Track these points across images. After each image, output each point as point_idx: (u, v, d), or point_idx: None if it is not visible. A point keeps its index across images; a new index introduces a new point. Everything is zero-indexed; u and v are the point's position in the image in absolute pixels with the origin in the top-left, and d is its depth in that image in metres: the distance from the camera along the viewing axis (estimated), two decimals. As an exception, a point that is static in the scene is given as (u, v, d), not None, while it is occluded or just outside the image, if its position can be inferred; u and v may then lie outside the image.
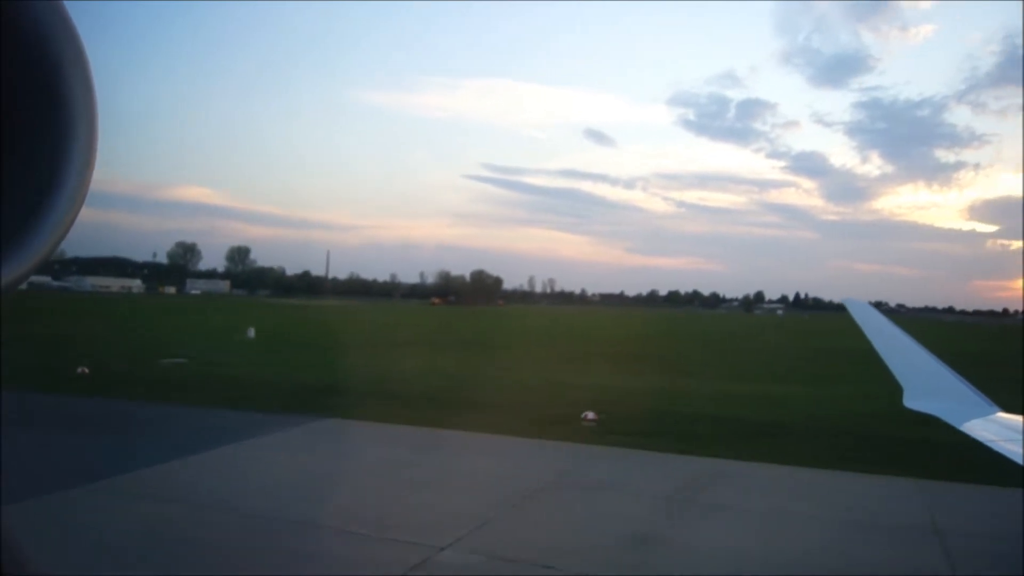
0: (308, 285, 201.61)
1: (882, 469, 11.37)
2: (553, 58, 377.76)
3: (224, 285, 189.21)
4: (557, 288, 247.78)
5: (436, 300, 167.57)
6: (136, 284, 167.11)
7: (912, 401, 5.57)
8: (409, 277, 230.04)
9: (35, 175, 0.70)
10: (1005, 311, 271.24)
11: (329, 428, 13.57)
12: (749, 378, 24.64)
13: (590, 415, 14.67)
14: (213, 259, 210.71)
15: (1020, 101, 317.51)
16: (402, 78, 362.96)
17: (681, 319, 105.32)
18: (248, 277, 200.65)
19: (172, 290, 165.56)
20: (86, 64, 0.73)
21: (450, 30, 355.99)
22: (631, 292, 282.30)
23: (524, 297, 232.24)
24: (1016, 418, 5.05)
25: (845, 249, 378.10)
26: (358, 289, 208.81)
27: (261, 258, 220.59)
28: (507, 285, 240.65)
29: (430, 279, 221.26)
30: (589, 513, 8.97)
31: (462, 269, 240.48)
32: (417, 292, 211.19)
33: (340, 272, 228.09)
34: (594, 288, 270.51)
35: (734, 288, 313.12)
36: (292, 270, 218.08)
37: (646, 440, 12.94)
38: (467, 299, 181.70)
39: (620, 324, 78.02)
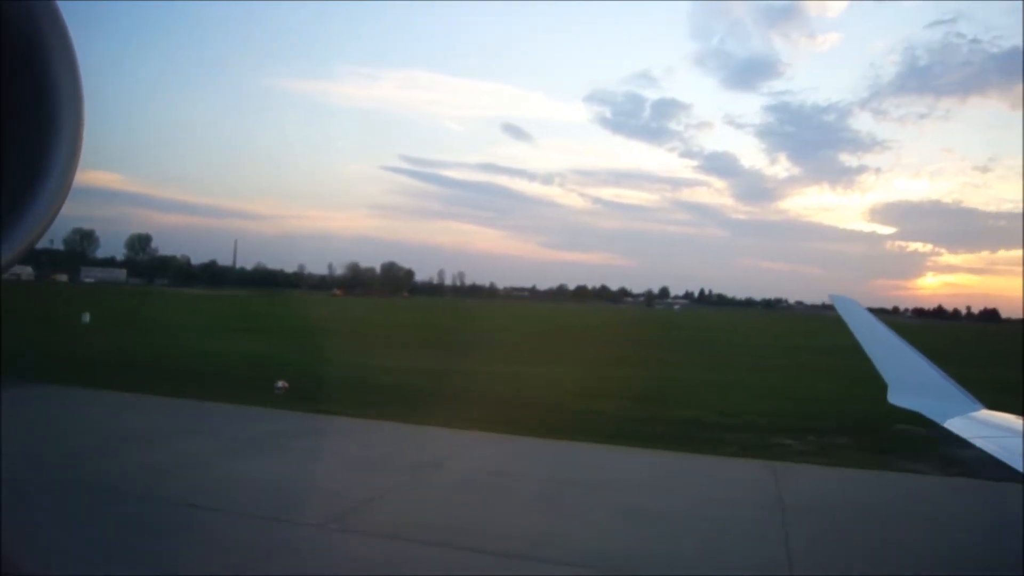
0: (212, 275, 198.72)
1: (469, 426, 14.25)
2: (473, 52, 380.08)
3: (121, 274, 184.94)
4: (468, 281, 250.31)
5: (337, 292, 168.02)
6: (26, 271, 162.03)
7: (897, 397, 5.65)
8: (322, 268, 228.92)
9: (21, 167, 0.70)
10: (895, 309, 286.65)
11: None
12: (498, 359, 27.69)
13: (280, 384, 17.12)
14: (114, 247, 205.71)
15: (919, 110, 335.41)
16: (321, 67, 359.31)
17: (555, 312, 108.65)
18: (149, 266, 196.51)
19: (64, 278, 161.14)
20: (73, 57, 0.74)
21: (371, 21, 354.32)
22: (543, 286, 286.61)
23: (434, 290, 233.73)
24: (997, 415, 5.17)
25: (753, 247, 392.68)
26: (265, 279, 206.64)
27: (168, 247, 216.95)
28: (421, 277, 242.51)
29: (339, 270, 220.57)
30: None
31: (378, 261, 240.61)
32: (326, 284, 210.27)
33: (252, 262, 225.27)
34: (505, 282, 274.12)
35: (645, 284, 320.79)
36: (200, 259, 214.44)
37: (308, 404, 15.48)
38: (374, 291, 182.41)
39: (477, 315, 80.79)
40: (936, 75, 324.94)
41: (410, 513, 8.78)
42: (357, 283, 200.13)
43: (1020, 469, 3.89)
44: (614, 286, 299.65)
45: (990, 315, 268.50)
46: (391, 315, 69.54)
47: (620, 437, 13.66)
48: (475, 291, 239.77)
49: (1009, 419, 5.17)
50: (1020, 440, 4.61)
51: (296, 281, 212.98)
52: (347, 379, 19.56)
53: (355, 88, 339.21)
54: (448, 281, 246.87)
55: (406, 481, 10.40)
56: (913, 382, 5.73)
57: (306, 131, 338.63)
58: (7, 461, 7.47)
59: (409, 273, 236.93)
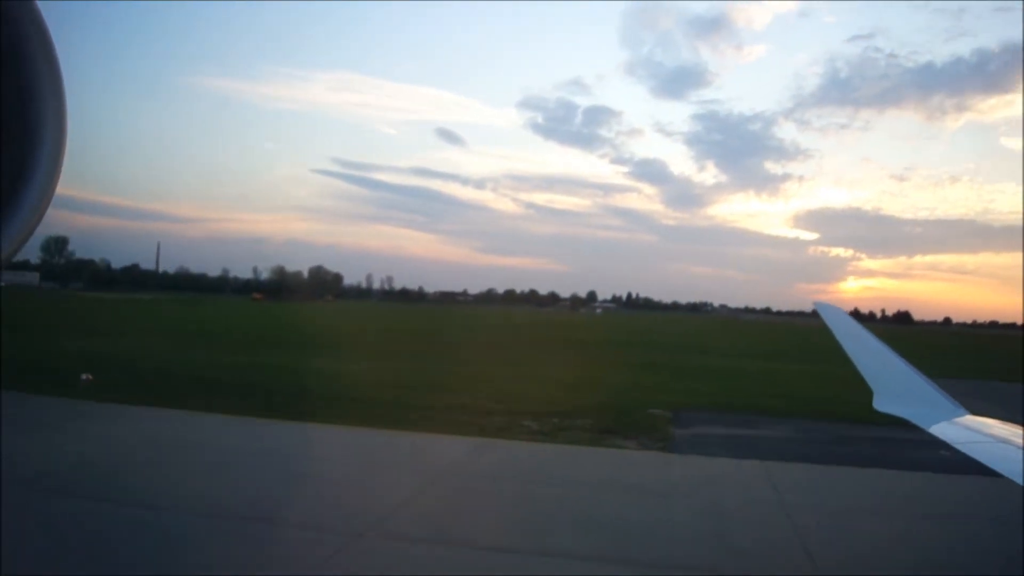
0: (134, 279, 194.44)
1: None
2: (406, 56, 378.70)
3: (34, 277, 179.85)
4: (397, 285, 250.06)
5: (257, 295, 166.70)
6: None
7: (882, 404, 5.66)
8: (247, 272, 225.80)
9: (5, 173, 0.69)
10: (814, 312, 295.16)
11: None
12: (346, 357, 28.99)
13: (85, 376, 18.14)
14: (29, 250, 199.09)
15: (840, 120, 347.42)
16: (249, 67, 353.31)
17: (462, 315, 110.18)
18: (65, 269, 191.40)
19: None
20: (55, 61, 0.73)
21: (300, 21, 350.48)
22: (477, 291, 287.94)
23: (362, 294, 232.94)
24: (983, 421, 5.19)
25: (682, 252, 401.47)
26: (188, 284, 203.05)
27: (88, 250, 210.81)
28: (351, 281, 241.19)
29: (265, 274, 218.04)
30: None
31: (308, 264, 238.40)
32: (249, 288, 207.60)
33: (177, 266, 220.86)
34: (438, 286, 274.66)
35: (578, 288, 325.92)
36: (122, 263, 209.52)
37: (101, 394, 16.59)
38: (298, 295, 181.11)
39: (373, 318, 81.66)
40: (856, 87, 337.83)
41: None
42: (283, 287, 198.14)
43: (1020, 481, 3.79)
44: (548, 290, 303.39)
45: (903, 317, 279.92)
46: (291, 318, 69.91)
47: (374, 419, 15.20)
48: (404, 295, 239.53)
49: (995, 424, 5.13)
50: (1010, 447, 4.59)
51: (220, 285, 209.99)
52: (166, 372, 20.69)
53: (285, 89, 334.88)
54: (376, 285, 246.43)
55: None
56: (898, 389, 5.74)
57: (235, 132, 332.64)
58: None
59: (337, 277, 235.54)
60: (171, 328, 44.25)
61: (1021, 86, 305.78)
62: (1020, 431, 4.91)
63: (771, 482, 11.47)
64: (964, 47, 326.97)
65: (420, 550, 7.89)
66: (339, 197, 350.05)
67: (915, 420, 5.23)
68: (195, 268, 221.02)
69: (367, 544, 7.87)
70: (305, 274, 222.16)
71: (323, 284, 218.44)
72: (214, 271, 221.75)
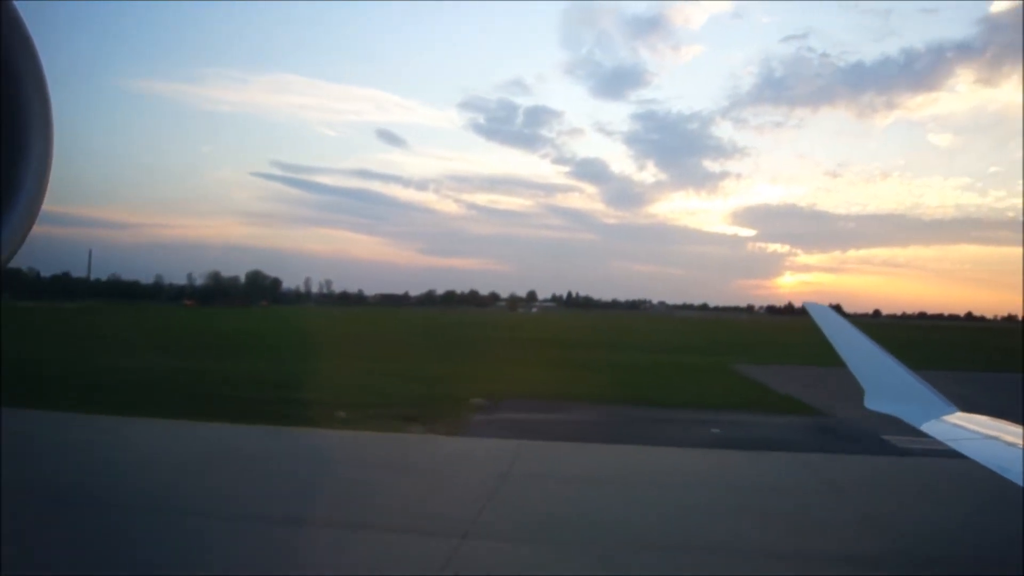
0: (64, 287, 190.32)
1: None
2: (346, 57, 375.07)
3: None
4: (337, 288, 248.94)
5: (189, 302, 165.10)
6: None
7: (873, 403, 5.70)
8: (180, 278, 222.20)
9: None
10: (750, 307, 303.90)
11: None
12: (229, 357, 30.09)
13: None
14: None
15: (775, 119, 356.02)
16: (184, 68, 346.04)
17: (389, 317, 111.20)
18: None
19: None
20: (39, 65, 0.73)
21: (237, 22, 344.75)
22: (421, 292, 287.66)
23: (301, 298, 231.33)
24: (972, 417, 5.22)
25: (624, 251, 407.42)
26: (121, 291, 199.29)
27: (15, 259, 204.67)
28: (291, 286, 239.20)
29: (200, 280, 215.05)
30: None
31: (248, 269, 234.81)
32: (185, 294, 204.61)
33: (110, 273, 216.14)
34: (378, 289, 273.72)
35: (518, 288, 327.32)
36: (53, 271, 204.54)
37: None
38: (232, 301, 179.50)
39: (289, 321, 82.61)
40: (790, 86, 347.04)
41: None
42: (219, 293, 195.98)
43: (1020, 483, 3.76)
44: (491, 291, 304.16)
45: (834, 310, 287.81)
46: (211, 323, 70.12)
47: (210, 414, 16.40)
48: (344, 299, 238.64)
49: (984, 421, 5.15)
50: (1000, 444, 4.59)
51: (154, 292, 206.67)
52: (51, 375, 21.73)
53: (223, 91, 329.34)
54: (316, 289, 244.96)
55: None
56: (888, 387, 5.77)
57: (170, 136, 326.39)
58: None
59: (276, 282, 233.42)
60: (79, 335, 44.52)
61: (947, 84, 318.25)
62: (1009, 427, 4.98)
63: (512, 457, 13.03)
64: (892, 47, 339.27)
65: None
66: (279, 200, 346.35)
67: (906, 418, 5.29)
68: (128, 275, 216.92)
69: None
70: (242, 279, 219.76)
71: (261, 289, 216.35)
72: (148, 278, 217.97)
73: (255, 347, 39.72)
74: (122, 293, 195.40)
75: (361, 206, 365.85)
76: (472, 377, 25.48)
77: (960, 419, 5.20)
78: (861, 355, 6.27)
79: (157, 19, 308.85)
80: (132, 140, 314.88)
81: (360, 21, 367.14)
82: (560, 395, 21.50)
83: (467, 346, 45.35)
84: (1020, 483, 3.79)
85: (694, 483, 11.80)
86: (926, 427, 5.11)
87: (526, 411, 18.64)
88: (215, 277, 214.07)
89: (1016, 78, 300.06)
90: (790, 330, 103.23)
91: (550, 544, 8.47)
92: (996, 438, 4.75)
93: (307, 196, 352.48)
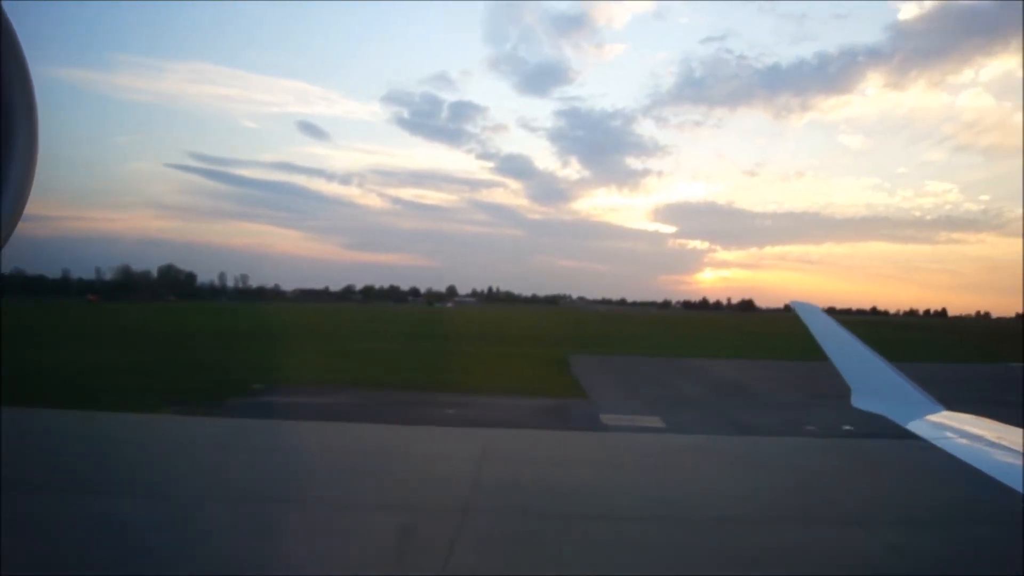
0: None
1: None
2: (266, 46, 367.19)
3: None
4: (254, 283, 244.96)
5: (92, 297, 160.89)
6: None
7: (859, 401, 5.68)
8: (90, 272, 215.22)
9: None
10: (666, 302, 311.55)
11: None
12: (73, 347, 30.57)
13: None
14: None
15: (695, 118, 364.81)
16: (97, 55, 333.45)
17: (281, 312, 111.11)
18: None
19: None
20: (23, 59, 0.71)
21: (153, 7, 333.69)
22: (339, 287, 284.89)
23: (215, 293, 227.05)
24: (957, 416, 5.24)
25: (548, 246, 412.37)
26: (25, 286, 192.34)
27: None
28: (206, 280, 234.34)
29: (109, 275, 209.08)
30: None
31: (163, 263, 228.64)
32: (93, 289, 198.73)
33: (12, 267, 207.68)
34: (300, 284, 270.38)
35: (443, 283, 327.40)
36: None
37: None
38: (139, 296, 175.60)
39: (185, 318, 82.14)
40: (709, 86, 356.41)
41: None
42: (127, 288, 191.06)
43: (1020, 489, 3.68)
44: (416, 286, 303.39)
45: (747, 305, 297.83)
46: (98, 319, 69.19)
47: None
48: (260, 294, 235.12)
49: (969, 420, 5.18)
50: (983, 443, 4.62)
51: (62, 287, 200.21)
52: None
53: (136, 80, 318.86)
54: (230, 283, 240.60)
55: None
56: (875, 386, 5.78)
57: (82, 125, 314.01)
58: None
59: (190, 276, 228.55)
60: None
61: (858, 87, 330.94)
62: (994, 426, 5.03)
63: (233, 435, 14.52)
64: (807, 50, 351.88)
65: None
66: (198, 193, 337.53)
67: (892, 416, 5.25)
68: (34, 269, 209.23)
69: None
70: (155, 274, 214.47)
71: (173, 284, 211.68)
72: (55, 272, 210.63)
73: (108, 338, 39.91)
74: (26, 288, 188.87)
75: (283, 200, 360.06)
76: (281, 366, 26.69)
77: (946, 418, 5.22)
78: (848, 354, 6.28)
79: (65, 3, 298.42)
80: (42, 129, 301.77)
81: (282, 10, 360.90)
82: (345, 382, 22.90)
83: (315, 339, 46.33)
84: (1019, 488, 3.72)
85: (360, 453, 13.27)
86: (912, 426, 5.04)
87: (292, 395, 19.99)
88: (125, 271, 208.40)
89: (924, 82, 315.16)
90: (680, 323, 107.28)
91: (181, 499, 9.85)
92: (982, 438, 4.75)
93: (227, 189, 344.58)
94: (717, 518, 9.69)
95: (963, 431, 4.80)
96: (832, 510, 10.34)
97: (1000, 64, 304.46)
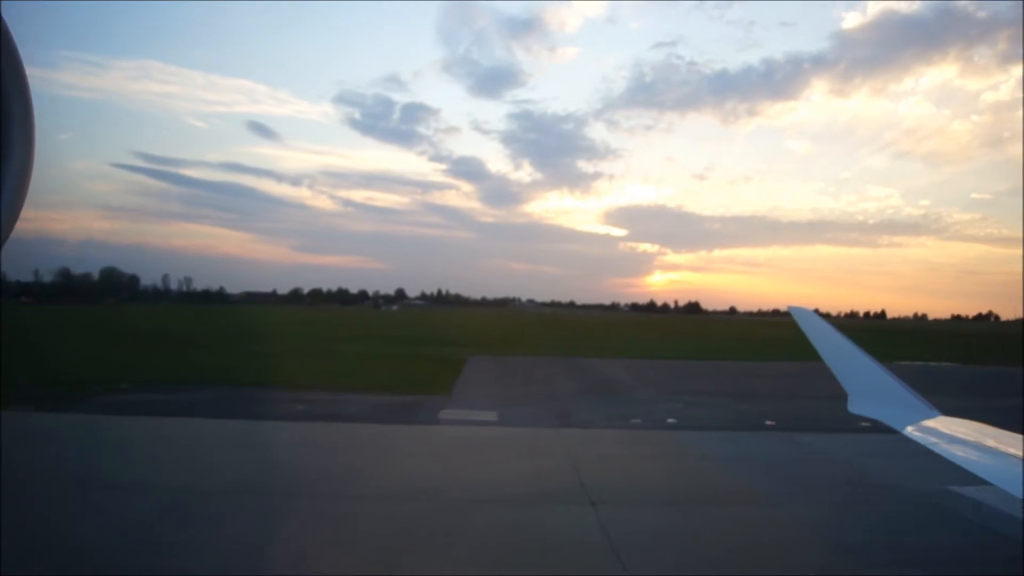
0: None
1: None
2: (215, 44, 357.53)
3: None
4: (199, 286, 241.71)
5: (26, 299, 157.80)
6: None
7: (856, 406, 5.69)
8: (28, 275, 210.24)
9: None
10: (614, 304, 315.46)
11: None
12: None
13: None
14: None
15: (645, 122, 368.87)
16: (36, 51, 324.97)
17: (216, 315, 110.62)
18: None
19: None
20: (19, 61, 0.69)
21: (94, 3, 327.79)
22: (285, 290, 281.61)
23: (158, 296, 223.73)
24: (954, 421, 5.23)
25: (500, 249, 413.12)
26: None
27: None
28: (149, 283, 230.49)
29: (48, 277, 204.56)
30: None
31: (104, 266, 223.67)
32: (31, 291, 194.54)
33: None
34: (248, 287, 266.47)
35: (392, 286, 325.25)
36: None
37: None
38: (76, 299, 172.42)
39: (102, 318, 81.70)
40: (660, 91, 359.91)
41: None
42: (67, 290, 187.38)
43: (1018, 495, 3.68)
44: (367, 288, 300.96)
45: (693, 308, 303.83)
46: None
47: None
48: (205, 297, 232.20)
49: (967, 425, 5.17)
50: (984, 450, 4.62)
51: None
52: None
53: (79, 77, 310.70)
54: (174, 286, 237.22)
55: None
56: (871, 391, 5.74)
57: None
58: None
59: (133, 279, 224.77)
60: None
61: (803, 94, 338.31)
62: (991, 431, 5.00)
63: (55, 431, 15.14)
64: (754, 57, 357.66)
65: None
66: (144, 194, 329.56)
67: (888, 422, 5.24)
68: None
69: None
70: (96, 276, 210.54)
71: (116, 287, 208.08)
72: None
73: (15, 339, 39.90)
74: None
75: (232, 201, 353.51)
76: (171, 366, 27.32)
77: (942, 423, 5.19)
78: (844, 359, 6.25)
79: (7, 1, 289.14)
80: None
81: (231, 8, 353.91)
82: (222, 380, 23.67)
83: (224, 341, 46.79)
84: (1018, 494, 3.69)
85: (164, 443, 14.20)
86: (908, 431, 5.01)
87: (154, 393, 20.75)
88: (63, 274, 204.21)
89: (867, 89, 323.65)
90: (615, 325, 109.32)
91: None
92: (980, 443, 4.72)
93: (174, 189, 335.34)
94: (467, 500, 10.82)
95: (960, 436, 4.82)
96: (570, 493, 11.45)
97: (939, 73, 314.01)
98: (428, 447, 14.94)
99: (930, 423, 5.15)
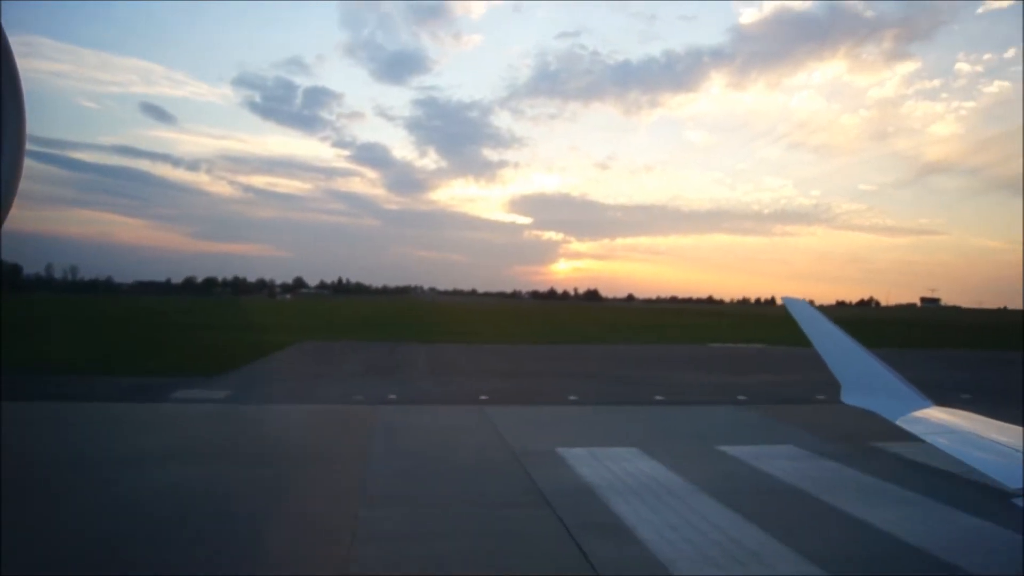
0: None
1: None
2: (106, 21, 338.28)
3: None
4: (86, 275, 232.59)
5: None
6: None
7: (849, 397, 5.71)
8: None
9: None
10: (515, 292, 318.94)
11: None
12: None
13: None
14: None
15: (550, 111, 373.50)
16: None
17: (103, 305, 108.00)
18: None
19: None
20: (12, 61, 0.67)
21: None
22: (179, 279, 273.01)
23: (41, 285, 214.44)
24: (947, 411, 5.26)
25: (406, 236, 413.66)
26: None
27: None
28: (33, 272, 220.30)
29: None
30: None
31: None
32: None
33: None
34: (142, 275, 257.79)
35: (293, 274, 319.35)
36: None
37: None
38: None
39: None
40: (564, 81, 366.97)
41: None
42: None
43: (1018, 486, 3.73)
44: (270, 277, 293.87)
45: (592, 295, 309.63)
46: None
47: None
48: (92, 286, 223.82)
49: (959, 415, 5.18)
50: (987, 443, 4.56)
51: None
52: None
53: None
54: (58, 276, 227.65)
55: None
56: (864, 382, 5.70)
57: None
58: None
59: (15, 268, 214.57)
60: None
61: (703, 86, 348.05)
62: (983, 421, 5.02)
63: None
64: (656, 49, 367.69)
65: None
66: (29, 178, 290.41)
67: (882, 412, 5.22)
68: None
69: None
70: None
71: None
72: None
73: None
74: None
75: (125, 186, 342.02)
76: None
77: (935, 413, 5.22)
78: (837, 350, 6.24)
79: None
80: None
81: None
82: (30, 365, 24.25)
83: (45, 328, 46.52)
84: (1017, 485, 3.73)
85: None
86: (901, 422, 5.03)
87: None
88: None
89: (762, 83, 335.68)
90: (494, 313, 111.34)
91: None
92: (972, 433, 4.68)
93: (62, 173, 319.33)
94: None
95: (952, 427, 4.77)
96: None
97: (830, 69, 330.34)
98: (115, 421, 16.30)
99: (922, 414, 5.23)
